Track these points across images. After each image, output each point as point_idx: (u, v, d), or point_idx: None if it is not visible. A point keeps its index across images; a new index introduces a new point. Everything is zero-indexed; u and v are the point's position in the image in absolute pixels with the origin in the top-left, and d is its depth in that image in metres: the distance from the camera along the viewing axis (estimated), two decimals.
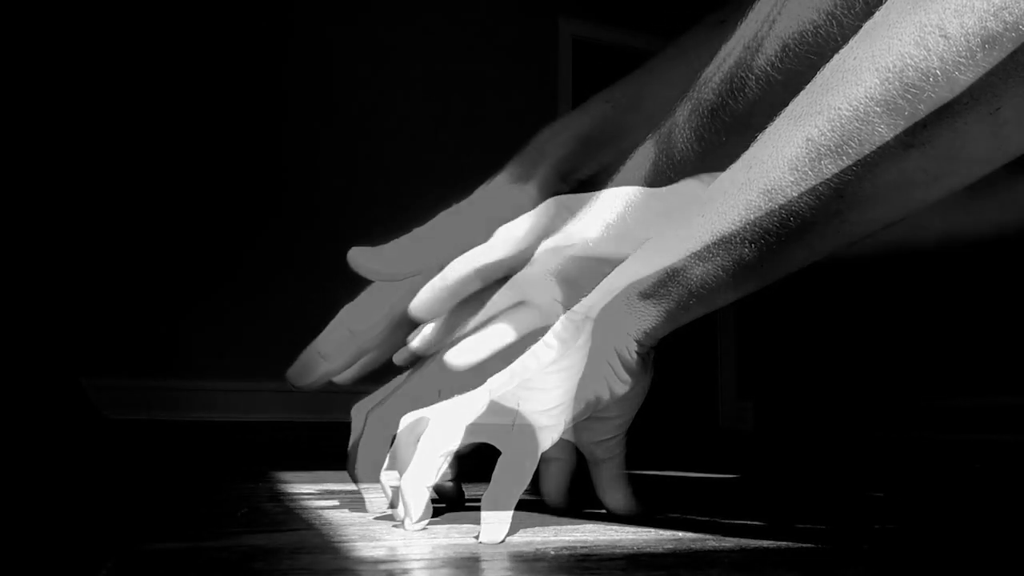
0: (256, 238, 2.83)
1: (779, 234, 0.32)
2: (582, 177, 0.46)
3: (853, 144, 0.29)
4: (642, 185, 0.35)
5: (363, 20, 3.10)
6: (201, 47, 2.83)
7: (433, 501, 0.40)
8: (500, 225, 0.42)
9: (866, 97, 0.27)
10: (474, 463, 0.45)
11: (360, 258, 0.39)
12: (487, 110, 3.24)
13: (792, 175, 0.31)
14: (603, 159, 0.46)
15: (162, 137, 2.75)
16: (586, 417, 0.41)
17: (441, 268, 0.44)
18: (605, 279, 0.39)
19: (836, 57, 0.28)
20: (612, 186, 0.38)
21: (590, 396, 0.40)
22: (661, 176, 0.34)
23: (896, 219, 0.31)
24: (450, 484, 0.46)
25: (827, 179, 0.30)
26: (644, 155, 0.35)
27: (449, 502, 0.46)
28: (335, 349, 0.43)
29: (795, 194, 0.31)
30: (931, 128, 0.27)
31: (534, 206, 0.43)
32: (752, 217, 0.32)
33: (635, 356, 0.40)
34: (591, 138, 0.46)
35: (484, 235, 0.42)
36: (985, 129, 0.26)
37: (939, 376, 2.68)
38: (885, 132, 0.27)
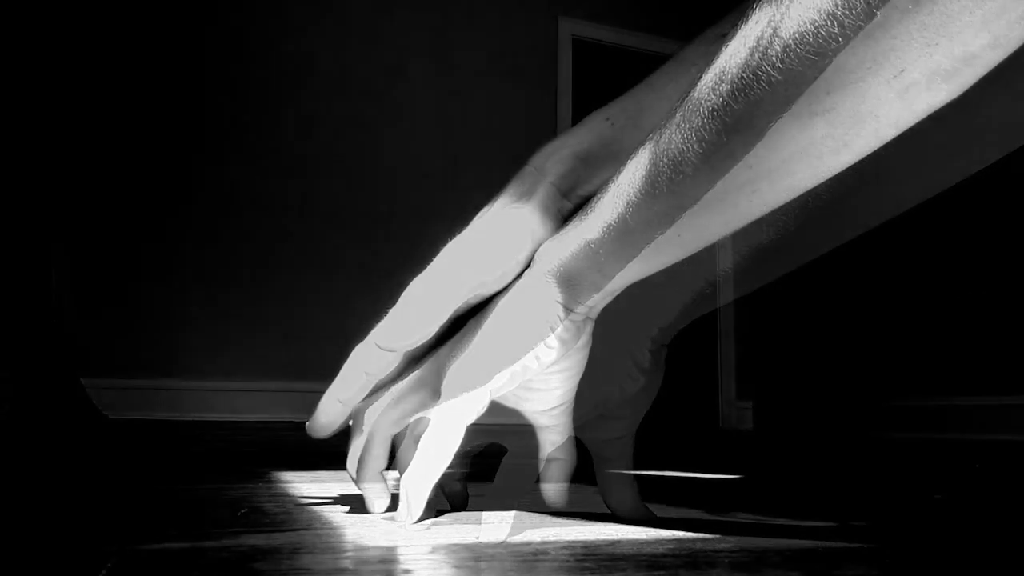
0: (256, 239, 2.83)
1: (692, 207, 0.33)
2: (584, 194, 0.46)
3: (758, 115, 0.29)
4: (642, 186, 0.35)
5: (363, 20, 3.10)
6: (203, 47, 2.84)
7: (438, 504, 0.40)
8: (507, 252, 0.41)
9: (768, 65, 0.28)
10: (478, 463, 0.44)
11: (387, 339, 0.38)
12: (487, 110, 3.25)
13: (700, 147, 0.31)
14: (605, 175, 0.46)
15: (163, 138, 2.75)
16: (594, 416, 0.41)
17: (457, 313, 0.43)
18: (606, 281, 0.39)
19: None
20: (612, 187, 0.38)
21: (598, 396, 0.40)
22: (661, 177, 0.34)
23: (812, 184, 0.31)
24: (457, 484, 0.46)
25: (733, 151, 0.30)
26: (644, 156, 0.35)
27: (454, 502, 0.46)
28: (354, 394, 0.42)
29: (706, 167, 0.31)
30: (834, 95, 0.27)
31: (538, 225, 0.43)
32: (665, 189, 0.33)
33: (648, 354, 0.40)
34: (591, 154, 0.46)
35: (492, 266, 0.41)
36: (890, 92, 0.26)
37: (939, 376, 2.68)
38: (790, 99, 0.28)
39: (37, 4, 2.30)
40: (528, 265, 0.43)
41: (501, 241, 0.41)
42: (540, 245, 0.43)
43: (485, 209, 0.45)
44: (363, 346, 0.43)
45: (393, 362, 0.42)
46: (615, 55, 3.56)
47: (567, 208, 0.45)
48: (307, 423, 0.43)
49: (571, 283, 0.40)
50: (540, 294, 0.40)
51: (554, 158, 0.46)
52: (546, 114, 3.36)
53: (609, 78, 3.47)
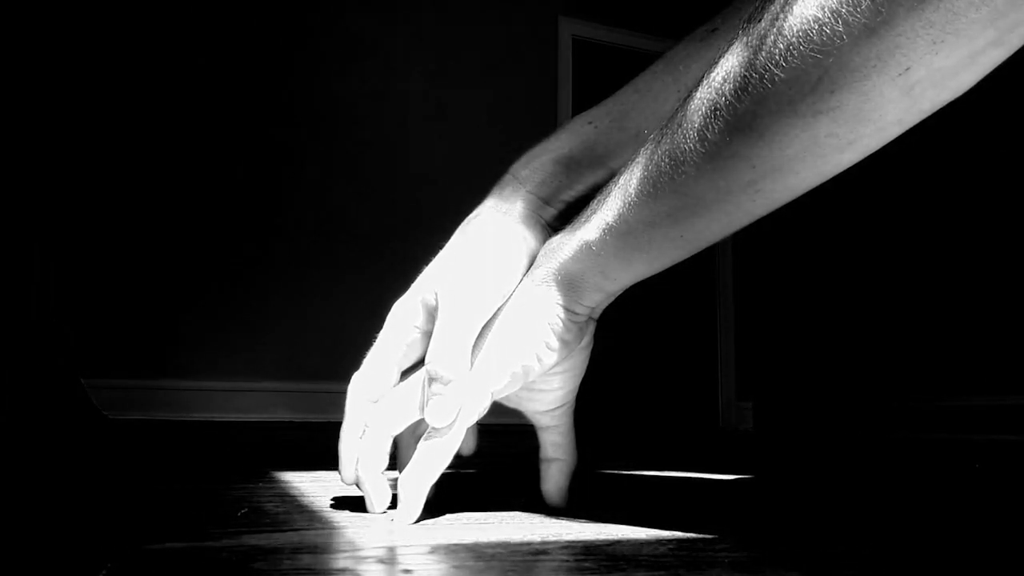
0: (256, 238, 2.83)
1: (694, 207, 0.33)
2: (569, 199, 0.46)
3: (762, 114, 0.29)
4: (643, 186, 0.35)
5: (363, 20, 3.10)
6: (204, 45, 2.84)
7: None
8: (509, 277, 0.41)
9: (772, 64, 0.27)
10: (478, 463, 0.44)
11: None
12: (487, 110, 3.24)
13: (703, 146, 0.31)
14: (590, 179, 0.46)
15: (163, 138, 2.75)
16: (517, 387, 0.41)
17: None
18: (609, 282, 0.39)
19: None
20: (613, 187, 0.38)
21: (516, 368, 0.40)
22: (663, 177, 0.34)
23: (815, 183, 0.31)
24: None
25: (737, 150, 0.30)
26: (646, 156, 0.35)
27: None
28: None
29: (709, 166, 0.31)
30: (839, 93, 0.27)
31: (521, 234, 0.43)
32: (667, 190, 0.33)
33: (565, 324, 0.40)
34: (572, 159, 0.46)
35: (498, 298, 0.40)
36: (895, 90, 0.26)
37: (939, 376, 2.68)
38: (794, 97, 0.27)
39: (31, 6, 2.30)
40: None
41: (502, 267, 0.41)
42: (532, 255, 0.43)
43: (467, 221, 0.45)
44: (358, 376, 0.42)
45: (394, 381, 0.42)
46: (615, 55, 3.56)
47: (550, 214, 0.45)
48: (342, 478, 0.42)
49: (572, 285, 0.40)
50: (540, 297, 0.40)
51: (533, 165, 0.46)
52: (546, 114, 3.36)
53: (609, 78, 3.47)
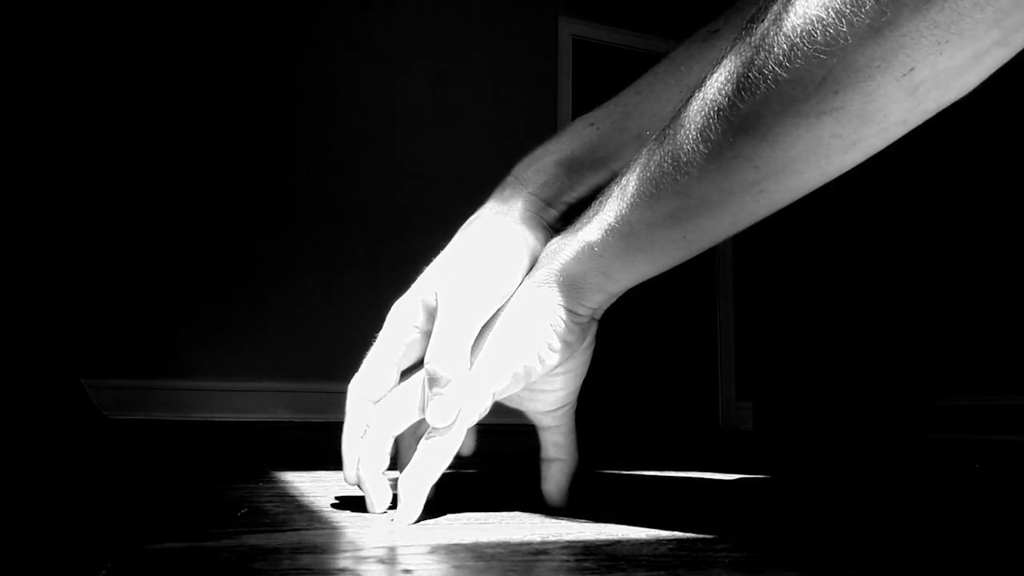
0: (256, 238, 2.83)
1: (696, 208, 0.33)
2: (571, 200, 0.46)
3: (765, 114, 0.29)
4: (646, 187, 0.35)
5: (363, 20, 3.10)
6: (204, 45, 2.84)
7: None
8: (509, 277, 0.41)
9: (775, 64, 0.27)
10: (478, 463, 0.44)
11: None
12: (487, 110, 3.24)
13: (706, 147, 0.31)
14: (592, 181, 0.46)
15: (163, 138, 2.75)
16: (519, 388, 0.41)
17: None
18: (611, 283, 0.39)
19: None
20: (615, 188, 0.37)
21: (518, 368, 0.40)
22: (666, 178, 0.34)
23: (819, 183, 0.31)
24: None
25: (740, 151, 0.30)
26: (648, 156, 0.35)
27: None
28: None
29: (712, 167, 0.31)
30: (843, 94, 0.27)
31: (523, 235, 0.43)
32: (669, 191, 0.33)
33: (567, 325, 0.40)
34: (575, 161, 0.46)
35: (498, 298, 0.40)
36: (899, 91, 0.26)
37: (939, 376, 2.68)
38: (797, 98, 0.27)
39: (31, 6, 2.30)
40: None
41: (503, 268, 0.41)
42: (534, 256, 0.42)
43: (468, 223, 0.45)
44: (360, 376, 0.42)
45: (393, 382, 0.42)
46: (615, 55, 3.56)
47: (552, 216, 0.45)
48: (345, 477, 0.42)
49: (574, 286, 0.40)
50: (541, 298, 0.40)
51: (535, 167, 0.46)
52: (546, 114, 3.36)
53: (609, 78, 3.47)
